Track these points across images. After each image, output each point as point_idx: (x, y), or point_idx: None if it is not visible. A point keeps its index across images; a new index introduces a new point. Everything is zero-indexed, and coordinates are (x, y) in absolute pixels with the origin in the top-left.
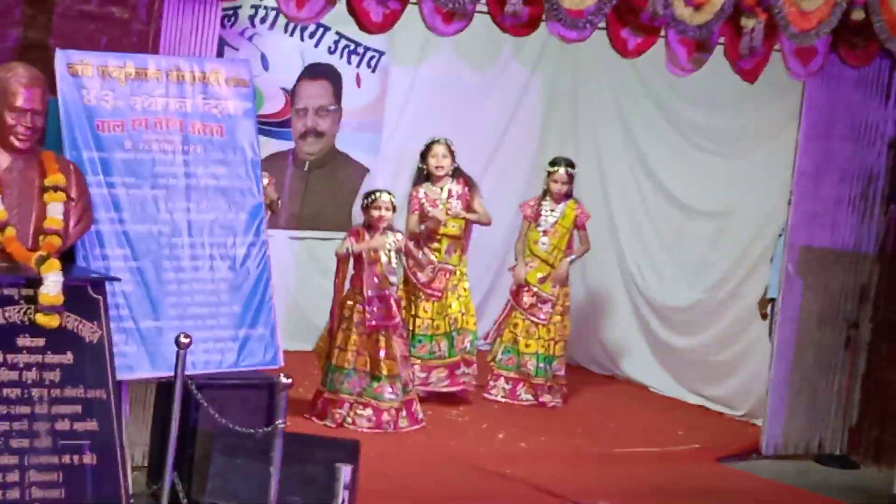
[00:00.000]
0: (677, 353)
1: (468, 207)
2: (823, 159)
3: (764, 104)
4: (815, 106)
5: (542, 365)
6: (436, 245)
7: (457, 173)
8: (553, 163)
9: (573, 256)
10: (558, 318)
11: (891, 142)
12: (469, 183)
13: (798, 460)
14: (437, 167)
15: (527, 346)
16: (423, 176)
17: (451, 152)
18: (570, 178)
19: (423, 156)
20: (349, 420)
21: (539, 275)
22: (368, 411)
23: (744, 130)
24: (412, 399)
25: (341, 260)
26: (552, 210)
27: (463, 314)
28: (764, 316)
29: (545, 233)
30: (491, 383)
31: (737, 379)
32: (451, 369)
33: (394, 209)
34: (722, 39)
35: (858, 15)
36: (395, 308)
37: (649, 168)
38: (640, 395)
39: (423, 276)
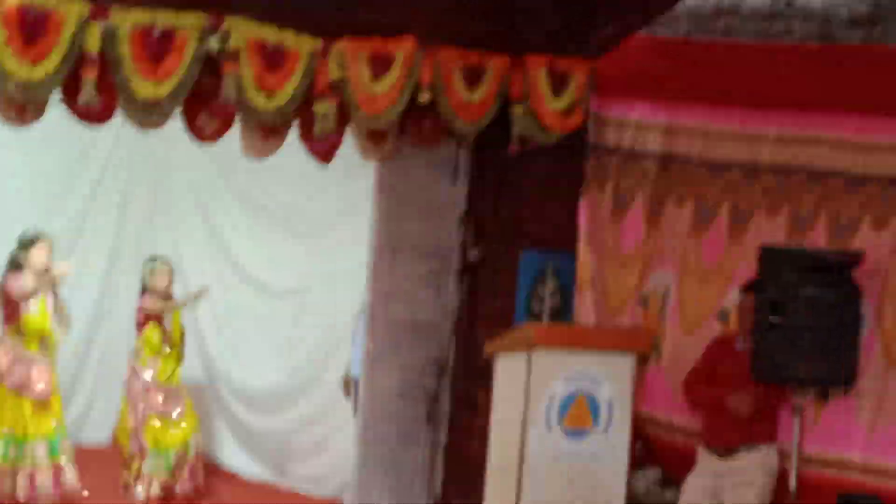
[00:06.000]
0: (263, 436)
1: None
2: (398, 237)
3: (343, 183)
4: (388, 186)
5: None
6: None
7: None
8: (155, 259)
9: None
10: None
11: (461, 219)
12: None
13: None
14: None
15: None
16: (17, 265)
17: None
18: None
19: (26, 248)
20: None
21: (168, 370)
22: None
23: (324, 209)
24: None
25: None
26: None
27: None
28: (347, 394)
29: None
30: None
31: (324, 458)
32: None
33: None
34: (297, 122)
35: (425, 97)
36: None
37: (230, 254)
38: (232, 481)
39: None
